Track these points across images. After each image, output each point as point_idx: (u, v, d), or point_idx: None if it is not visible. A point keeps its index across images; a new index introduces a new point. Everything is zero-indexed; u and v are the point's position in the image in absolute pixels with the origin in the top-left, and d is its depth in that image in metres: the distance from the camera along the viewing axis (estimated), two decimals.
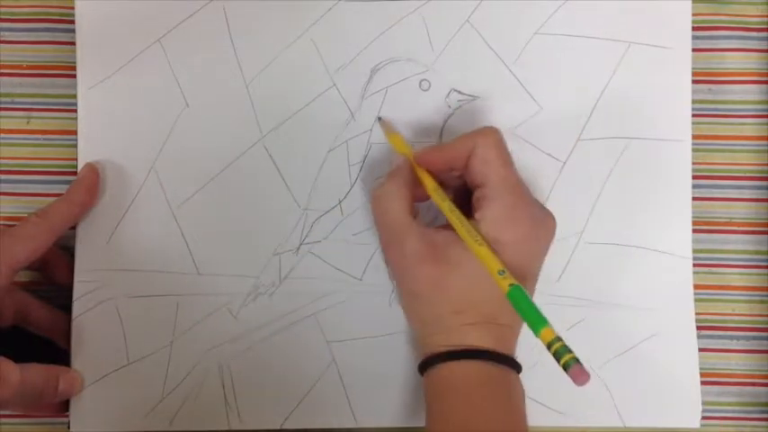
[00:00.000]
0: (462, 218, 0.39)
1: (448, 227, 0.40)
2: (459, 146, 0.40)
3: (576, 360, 0.34)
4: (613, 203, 0.46)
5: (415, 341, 0.44)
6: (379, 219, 0.42)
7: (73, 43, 0.46)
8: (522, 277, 0.38)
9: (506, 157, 0.40)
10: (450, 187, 0.43)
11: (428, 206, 0.44)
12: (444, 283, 0.39)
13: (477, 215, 0.39)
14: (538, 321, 0.36)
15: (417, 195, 0.41)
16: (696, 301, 0.46)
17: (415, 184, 0.41)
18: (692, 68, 0.47)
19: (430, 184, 0.41)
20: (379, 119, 0.45)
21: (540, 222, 0.40)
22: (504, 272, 0.37)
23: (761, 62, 0.48)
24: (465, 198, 0.41)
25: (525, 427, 0.39)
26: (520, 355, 0.41)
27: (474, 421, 0.38)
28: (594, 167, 0.46)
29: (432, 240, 0.39)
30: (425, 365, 0.40)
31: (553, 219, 0.40)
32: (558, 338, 0.35)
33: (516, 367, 0.40)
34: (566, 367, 0.34)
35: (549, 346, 0.35)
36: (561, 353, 0.35)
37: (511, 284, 0.37)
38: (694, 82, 0.47)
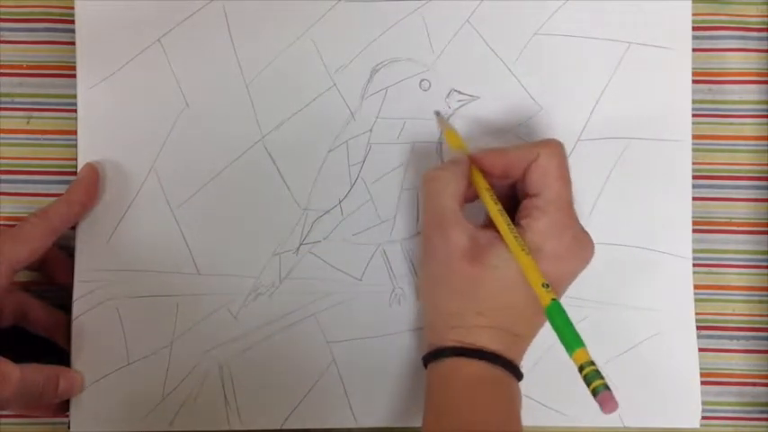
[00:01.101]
0: (511, 224, 0.39)
1: (490, 227, 0.40)
2: (522, 153, 0.40)
3: (607, 387, 0.35)
4: (613, 203, 0.46)
5: (425, 329, 0.44)
6: (429, 200, 0.41)
7: (73, 43, 0.46)
8: (555, 293, 0.38)
9: (566, 172, 0.40)
10: (497, 194, 0.42)
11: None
12: (478, 282, 0.39)
13: (523, 222, 0.39)
14: (573, 341, 0.36)
15: (465, 196, 0.41)
16: (696, 301, 0.46)
17: (468, 182, 0.41)
18: (692, 68, 0.47)
19: (483, 184, 0.41)
20: (437, 113, 0.45)
21: (582, 243, 0.40)
22: (547, 285, 0.37)
23: (761, 62, 0.48)
24: (507, 206, 0.41)
25: (517, 427, 0.39)
26: None
27: (472, 420, 0.38)
28: (594, 167, 0.46)
29: (476, 238, 0.39)
30: (431, 357, 0.40)
31: (593, 245, 0.40)
32: (591, 362, 0.35)
33: (518, 376, 0.40)
34: (595, 392, 0.35)
35: (580, 369, 0.35)
36: (592, 377, 0.35)
37: (553, 299, 0.37)
38: (694, 82, 0.47)
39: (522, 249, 0.38)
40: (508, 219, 0.39)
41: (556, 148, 0.40)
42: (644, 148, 0.46)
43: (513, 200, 0.42)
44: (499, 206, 0.40)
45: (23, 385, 0.40)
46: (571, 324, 0.36)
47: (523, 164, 0.40)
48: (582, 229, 0.40)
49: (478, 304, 0.39)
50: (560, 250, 0.39)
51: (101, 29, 0.46)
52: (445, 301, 0.40)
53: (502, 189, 0.42)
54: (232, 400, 0.45)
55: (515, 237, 0.38)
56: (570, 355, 0.36)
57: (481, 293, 0.39)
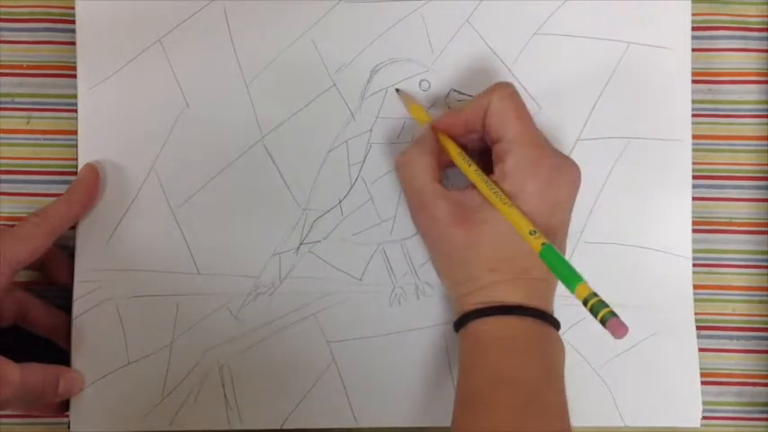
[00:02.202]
0: (488, 180, 0.40)
1: (473, 187, 0.40)
2: (475, 105, 0.41)
3: (614, 314, 0.35)
4: (613, 203, 0.46)
5: (450, 302, 0.44)
6: (406, 185, 0.42)
7: (73, 43, 0.46)
8: (550, 230, 0.39)
9: (521, 109, 0.40)
10: (474, 150, 0.43)
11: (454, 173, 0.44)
12: (477, 242, 0.39)
13: (496, 170, 0.40)
14: (572, 278, 0.36)
15: (442, 162, 0.42)
16: (696, 300, 0.46)
17: (440, 151, 0.42)
18: (692, 68, 0.47)
19: (453, 149, 0.42)
20: (398, 90, 0.45)
21: (562, 171, 0.40)
22: (535, 232, 0.37)
23: (761, 62, 0.48)
24: (488, 160, 0.42)
25: (556, 379, 0.39)
26: None
27: (503, 369, 0.38)
28: (594, 167, 0.46)
29: (460, 202, 0.40)
30: (460, 324, 0.40)
31: (576, 167, 0.41)
32: (594, 294, 0.36)
33: (552, 321, 0.40)
34: (603, 322, 0.35)
35: (585, 302, 0.36)
36: (598, 308, 0.35)
37: (543, 244, 0.37)
38: (694, 82, 0.47)
39: (504, 202, 0.38)
40: (484, 175, 0.40)
41: (505, 89, 0.40)
42: (644, 147, 0.46)
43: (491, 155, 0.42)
44: (473, 166, 0.40)
45: (23, 385, 0.40)
46: (566, 262, 0.37)
47: (480, 114, 0.41)
48: (559, 155, 0.40)
49: (486, 262, 0.39)
50: (540, 184, 0.39)
51: (101, 29, 0.46)
52: (456, 271, 0.41)
53: (477, 145, 0.42)
54: (232, 400, 0.45)
55: (494, 191, 0.39)
56: (572, 291, 0.36)
57: (485, 251, 0.39)
